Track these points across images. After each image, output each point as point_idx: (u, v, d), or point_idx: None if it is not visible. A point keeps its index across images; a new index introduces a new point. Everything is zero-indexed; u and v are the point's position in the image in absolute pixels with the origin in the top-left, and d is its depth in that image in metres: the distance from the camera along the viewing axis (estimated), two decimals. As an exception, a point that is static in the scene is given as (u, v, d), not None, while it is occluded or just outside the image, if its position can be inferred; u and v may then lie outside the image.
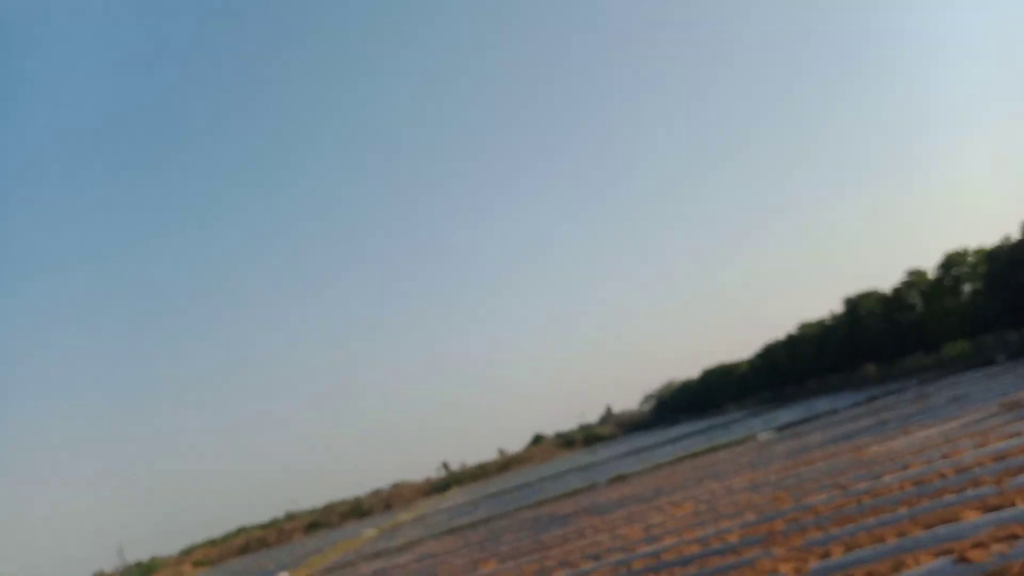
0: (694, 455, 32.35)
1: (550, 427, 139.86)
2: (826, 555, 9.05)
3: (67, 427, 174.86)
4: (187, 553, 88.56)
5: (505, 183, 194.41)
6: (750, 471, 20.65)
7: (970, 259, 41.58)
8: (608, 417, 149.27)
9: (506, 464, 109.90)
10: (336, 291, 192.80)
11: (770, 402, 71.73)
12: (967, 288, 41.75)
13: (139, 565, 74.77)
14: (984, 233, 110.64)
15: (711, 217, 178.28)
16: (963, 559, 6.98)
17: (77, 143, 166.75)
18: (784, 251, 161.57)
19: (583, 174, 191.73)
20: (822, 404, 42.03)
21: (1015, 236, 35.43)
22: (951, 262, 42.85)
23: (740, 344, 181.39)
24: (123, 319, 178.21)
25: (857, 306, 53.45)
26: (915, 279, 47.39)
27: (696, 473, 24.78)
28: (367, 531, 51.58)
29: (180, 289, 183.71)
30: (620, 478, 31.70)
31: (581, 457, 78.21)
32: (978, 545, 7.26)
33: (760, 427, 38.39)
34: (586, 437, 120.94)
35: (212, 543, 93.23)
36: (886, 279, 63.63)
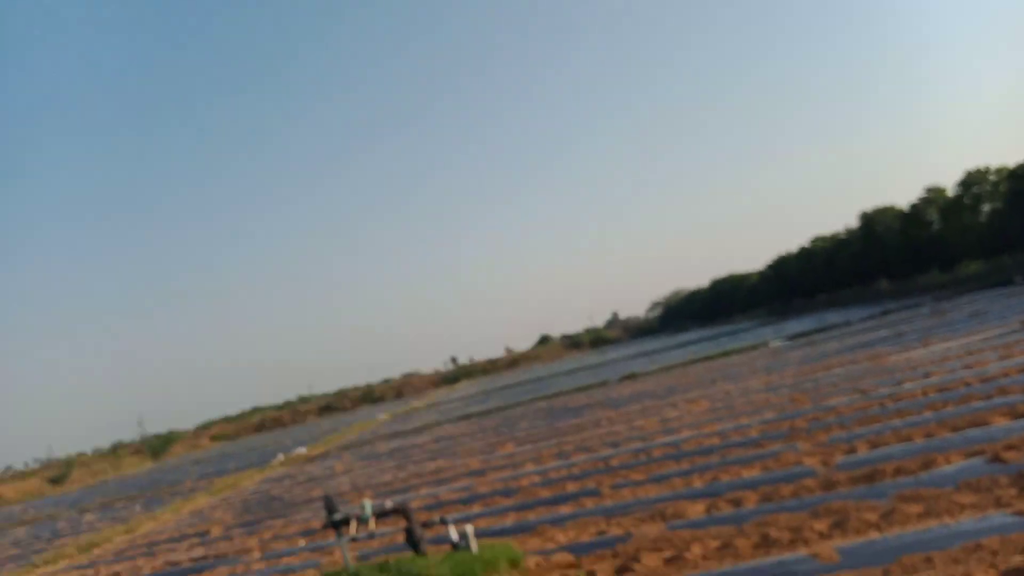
0: (706, 358, 32.78)
1: (556, 329, 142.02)
2: (851, 451, 9.38)
3: (90, 300, 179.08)
4: (204, 428, 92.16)
5: (526, 85, 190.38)
6: (764, 374, 21.00)
7: (991, 177, 40.91)
8: (614, 322, 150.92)
9: (514, 361, 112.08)
10: (353, 178, 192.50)
11: (779, 313, 72.08)
12: (987, 207, 41.22)
13: (158, 437, 77.83)
14: (1006, 153, 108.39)
15: (727, 125, 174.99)
16: (997, 459, 7.21)
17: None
18: (798, 165, 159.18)
19: (602, 78, 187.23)
20: (833, 316, 42.19)
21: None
22: (971, 180, 42.16)
23: (749, 257, 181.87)
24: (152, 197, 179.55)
25: (873, 221, 53.05)
26: (934, 196, 46.82)
27: (709, 374, 25.21)
28: (381, 415, 53.34)
29: (201, 176, 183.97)
30: (631, 376, 32.30)
31: (589, 358, 79.47)
32: (1011, 447, 7.50)
33: (771, 336, 38.80)
34: (593, 339, 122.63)
35: (228, 420, 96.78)
36: (903, 196, 62.90)
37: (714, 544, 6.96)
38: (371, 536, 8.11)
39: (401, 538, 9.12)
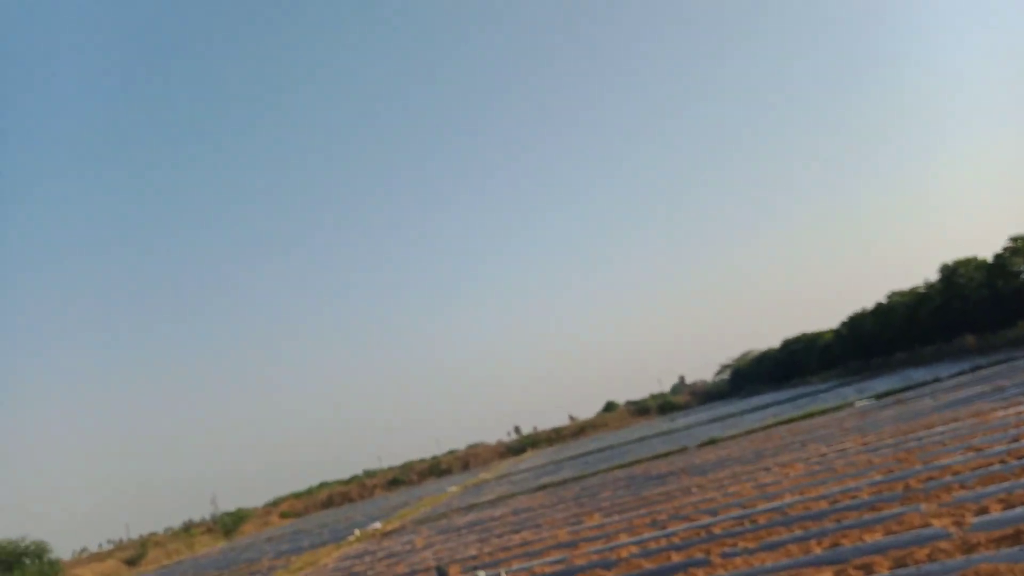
0: (788, 421, 31.65)
1: (620, 396, 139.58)
2: (983, 511, 8.77)
3: (156, 377, 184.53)
4: (274, 504, 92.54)
5: (577, 143, 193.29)
6: (858, 435, 20.09)
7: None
8: (681, 386, 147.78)
9: (580, 429, 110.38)
10: (422, 250, 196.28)
11: (856, 373, 69.56)
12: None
13: (228, 515, 78.44)
14: None
15: (796, 180, 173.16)
16: None
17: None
18: (869, 219, 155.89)
19: (660, 131, 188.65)
20: (918, 374, 40.45)
21: None
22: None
23: (822, 316, 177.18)
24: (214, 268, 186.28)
25: (954, 273, 51.25)
26: (1021, 244, 45.07)
27: (795, 437, 24.28)
28: (451, 488, 52.78)
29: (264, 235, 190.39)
30: (711, 442, 31.32)
31: (659, 424, 77.69)
32: None
33: (853, 395, 37.34)
34: (660, 405, 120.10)
35: (297, 496, 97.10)
36: (985, 248, 60.83)
37: (856, 616, 6.48)
38: None
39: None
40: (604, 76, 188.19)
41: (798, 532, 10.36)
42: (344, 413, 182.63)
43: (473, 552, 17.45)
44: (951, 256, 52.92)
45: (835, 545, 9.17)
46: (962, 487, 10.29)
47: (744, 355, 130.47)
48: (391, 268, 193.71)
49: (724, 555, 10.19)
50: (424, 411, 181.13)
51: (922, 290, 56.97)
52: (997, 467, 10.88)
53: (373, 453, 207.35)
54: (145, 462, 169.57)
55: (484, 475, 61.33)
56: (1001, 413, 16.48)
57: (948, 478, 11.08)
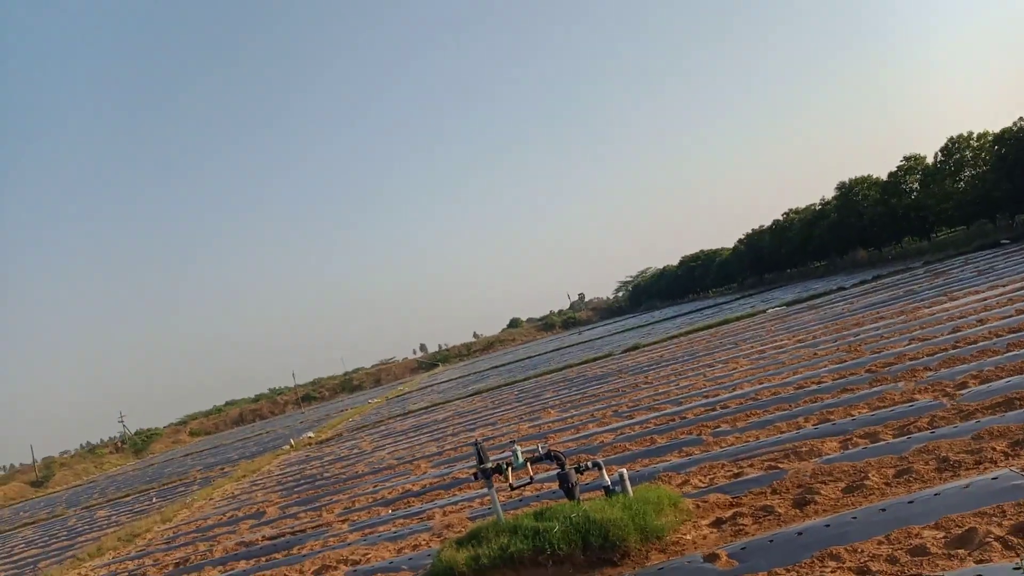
0: (706, 327, 33.04)
1: (521, 314, 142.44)
2: (962, 386, 9.49)
3: (60, 304, 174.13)
4: (182, 423, 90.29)
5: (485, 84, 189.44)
6: (788, 335, 21.13)
7: (973, 144, 41.89)
8: (580, 303, 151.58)
9: (489, 344, 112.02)
10: (315, 173, 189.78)
11: (752, 287, 72.98)
12: (968, 173, 42.19)
13: (139, 434, 76.05)
14: (985, 122, 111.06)
15: (695, 102, 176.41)
16: None
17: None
18: (764, 141, 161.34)
19: (566, 61, 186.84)
20: (818, 285, 42.81)
21: (1029, 120, 35.78)
22: (953, 147, 43.10)
23: (718, 236, 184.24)
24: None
25: (851, 191, 53.96)
26: (913, 164, 47.80)
27: (722, 340, 25.32)
28: (373, 400, 52.84)
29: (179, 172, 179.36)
30: (635, 347, 32.43)
31: (567, 338, 79.65)
32: None
33: (760, 305, 39.28)
34: (565, 321, 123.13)
35: (206, 414, 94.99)
36: (880, 168, 64.40)
37: (889, 472, 6.98)
38: (530, 482, 7.94)
39: (540, 489, 9.03)
40: None
41: (780, 412, 10.95)
42: (248, 333, 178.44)
43: (434, 449, 17.65)
44: (846, 176, 55.83)
45: (825, 420, 9.77)
46: (927, 369, 11.09)
47: (643, 272, 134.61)
48: (295, 186, 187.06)
49: (716, 434, 10.70)
50: (328, 331, 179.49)
51: (819, 207, 59.88)
52: (953, 352, 11.76)
53: (278, 372, 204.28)
54: (48, 384, 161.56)
55: (403, 388, 61.64)
56: (927, 311, 17.72)
57: (908, 363, 11.89)
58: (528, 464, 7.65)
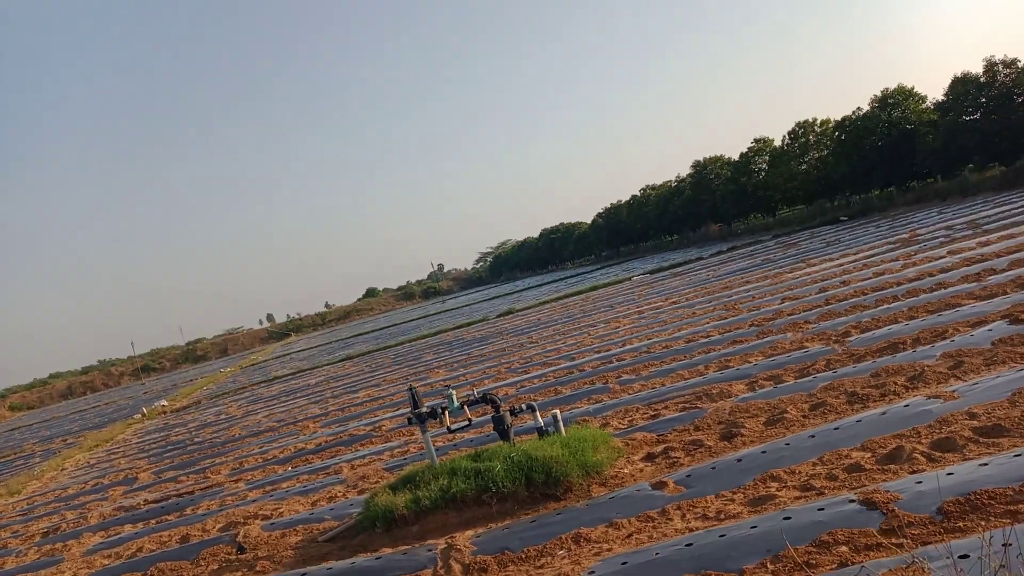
0: (575, 294, 33.97)
1: (377, 285, 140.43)
2: (845, 335, 10.30)
3: None
4: (2, 397, 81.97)
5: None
6: (660, 299, 22.12)
7: (817, 128, 45.41)
8: (439, 274, 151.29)
9: (346, 314, 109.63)
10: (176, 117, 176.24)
11: (609, 259, 75.76)
12: (812, 156, 45.71)
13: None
14: (823, 109, 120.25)
15: (557, 73, 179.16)
16: (1018, 320, 8.29)
17: None
18: (623, 118, 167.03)
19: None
20: (675, 256, 45.12)
21: (865, 108, 39.23)
22: (799, 131, 46.52)
23: (577, 211, 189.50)
24: None
25: (705, 169, 57.10)
26: (762, 146, 51.19)
27: (595, 304, 26.11)
28: (226, 369, 50.29)
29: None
30: (509, 312, 32.84)
31: (429, 307, 79.34)
32: (1011, 317, 8.63)
33: (622, 273, 40.86)
34: (425, 291, 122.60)
35: (29, 387, 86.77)
36: (731, 150, 68.52)
37: (804, 406, 7.48)
38: (469, 425, 7.83)
39: (471, 434, 8.99)
40: None
41: (677, 363, 11.46)
42: (73, 301, 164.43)
43: (317, 411, 17.10)
44: (700, 156, 59.01)
45: (725, 367, 10.32)
46: (807, 323, 11.95)
47: (502, 244, 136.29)
48: (135, 141, 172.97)
49: (621, 383, 11.04)
50: (165, 300, 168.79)
51: (674, 184, 62.97)
52: (828, 308, 12.75)
53: (108, 344, 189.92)
54: None
55: (256, 356, 59.13)
56: (790, 275, 19.09)
57: (788, 318, 12.78)
58: (465, 407, 7.55)
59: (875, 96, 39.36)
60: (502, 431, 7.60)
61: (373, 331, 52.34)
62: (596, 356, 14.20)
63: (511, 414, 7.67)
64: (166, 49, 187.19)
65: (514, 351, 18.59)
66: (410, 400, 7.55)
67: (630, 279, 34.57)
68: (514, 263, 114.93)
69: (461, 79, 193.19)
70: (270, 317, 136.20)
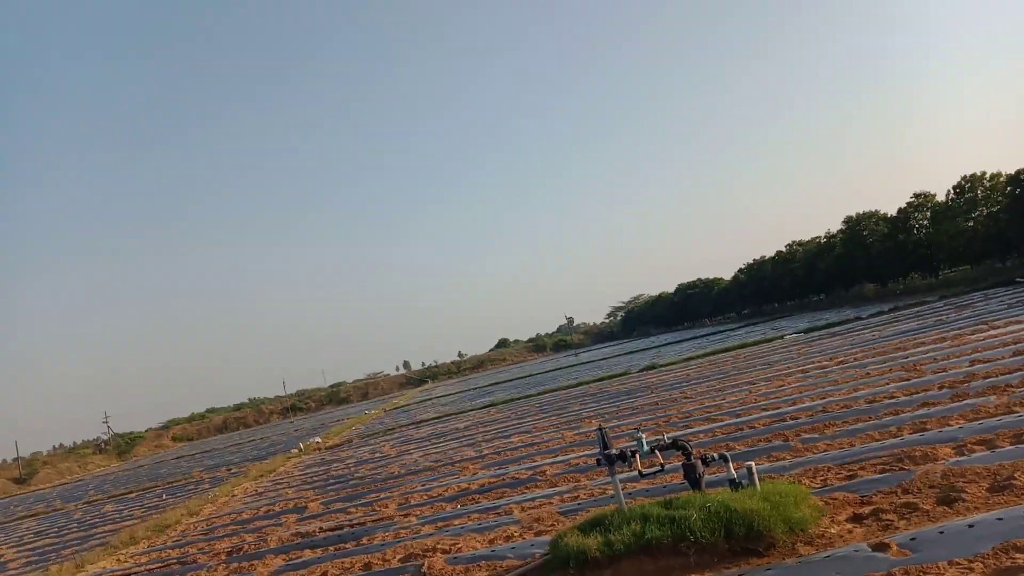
0: (724, 350, 32.94)
1: (505, 335, 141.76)
2: (1061, 399, 9.39)
3: (47, 304, 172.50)
4: (165, 428, 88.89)
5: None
6: (824, 358, 21.00)
7: (986, 183, 42.35)
8: (569, 327, 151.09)
9: (480, 363, 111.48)
10: (308, 179, 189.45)
11: (749, 318, 73.08)
12: (980, 212, 42.61)
13: (122, 436, 74.76)
14: (994, 161, 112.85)
15: (702, 131, 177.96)
16: None
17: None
18: (768, 175, 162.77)
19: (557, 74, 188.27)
20: (828, 316, 42.88)
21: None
22: (966, 185, 43.56)
23: (714, 266, 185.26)
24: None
25: (858, 225, 54.45)
26: (922, 201, 48.28)
27: (749, 362, 25.16)
28: (370, 411, 52.20)
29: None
30: (652, 367, 32.26)
31: (562, 359, 79.32)
32: None
33: (770, 332, 39.24)
34: (556, 343, 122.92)
35: (189, 420, 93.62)
36: (886, 205, 65.23)
37: (1036, 472, 6.82)
38: (661, 471, 7.69)
39: (644, 484, 8.81)
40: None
41: (864, 423, 10.77)
42: (229, 344, 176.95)
43: (472, 454, 17.32)
44: (851, 210, 56.35)
45: (920, 430, 9.61)
46: (1009, 386, 10.98)
47: (635, 299, 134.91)
48: (281, 198, 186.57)
49: (803, 440, 10.51)
50: (310, 345, 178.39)
51: (824, 240, 60.33)
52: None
53: (257, 383, 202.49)
54: (35, 381, 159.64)
55: (397, 401, 61.01)
56: (972, 337, 17.70)
57: (983, 381, 11.80)
58: (656, 452, 7.41)
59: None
60: (693, 480, 7.39)
61: (509, 380, 52.83)
62: (765, 414, 13.61)
63: (703, 463, 7.45)
64: (318, 114, 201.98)
65: (669, 405, 18.16)
66: (599, 441, 7.50)
67: (782, 338, 33.14)
68: (648, 318, 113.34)
69: (601, 141, 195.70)
70: (406, 364, 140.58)
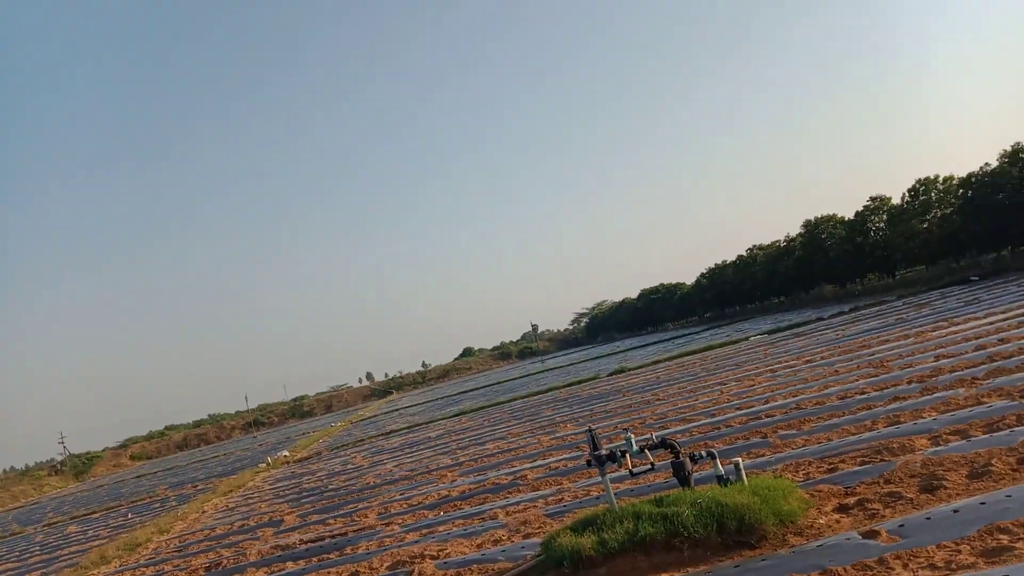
0: (690, 353, 33.32)
1: (469, 344, 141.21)
2: (1027, 390, 9.70)
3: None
4: (122, 447, 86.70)
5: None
6: (791, 357, 21.37)
7: (939, 186, 43.60)
8: (533, 335, 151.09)
9: (445, 372, 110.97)
10: (263, 188, 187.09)
11: (712, 321, 73.99)
12: (933, 214, 43.81)
13: (78, 457, 72.71)
14: (943, 166, 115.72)
15: (662, 136, 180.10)
16: None
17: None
18: (723, 180, 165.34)
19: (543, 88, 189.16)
20: (789, 317, 43.68)
21: (993, 164, 37.50)
22: (920, 188, 44.77)
23: (675, 271, 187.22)
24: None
25: (817, 228, 55.53)
26: (879, 204, 49.48)
27: (716, 363, 25.45)
28: (336, 423, 51.61)
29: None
30: (621, 371, 32.44)
31: (528, 366, 79.28)
32: None
33: (734, 334, 39.77)
34: (521, 351, 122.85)
35: (148, 438, 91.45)
36: (837, 209, 66.72)
37: (1011, 459, 7.04)
38: (652, 469, 7.73)
39: (628, 484, 8.88)
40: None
41: (839, 419, 10.99)
42: (185, 360, 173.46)
43: (448, 461, 17.25)
44: (809, 214, 57.50)
45: (894, 423, 9.84)
46: (975, 380, 11.30)
47: (599, 304, 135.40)
48: (234, 210, 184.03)
49: (781, 436, 10.69)
50: (269, 359, 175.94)
51: (783, 244, 61.43)
52: (994, 364, 12.03)
53: (216, 400, 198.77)
54: None
55: (363, 413, 60.44)
56: (934, 334, 18.16)
57: (950, 375, 12.13)
58: (646, 451, 7.49)
59: (1004, 151, 37.62)
60: (682, 477, 7.48)
61: (476, 388, 52.72)
62: (740, 412, 13.82)
63: (691, 460, 7.55)
64: (306, 116, 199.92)
65: (643, 407, 18.31)
66: (589, 443, 7.55)
67: (747, 339, 33.64)
68: (611, 324, 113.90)
69: (561, 148, 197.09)
70: (369, 376, 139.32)
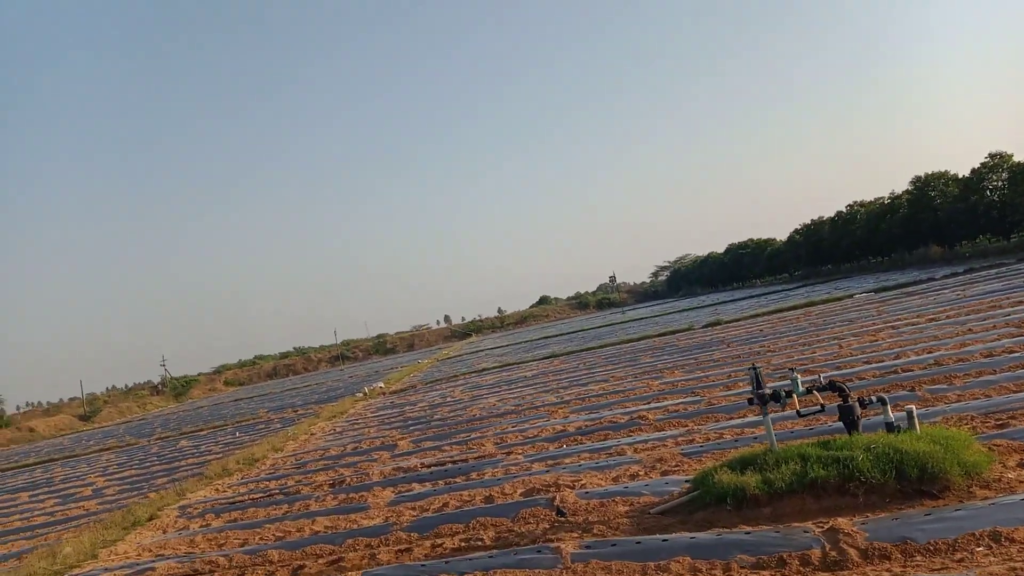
0: (790, 308, 32.27)
1: (544, 293, 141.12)
2: None
3: (113, 249, 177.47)
4: (217, 372, 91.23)
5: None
6: (909, 315, 20.35)
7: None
8: (610, 286, 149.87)
9: (523, 319, 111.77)
10: (353, 133, 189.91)
11: (804, 279, 71.52)
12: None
13: (178, 379, 76.97)
14: None
15: (752, 91, 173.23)
16: None
17: None
18: (815, 135, 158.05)
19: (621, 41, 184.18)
20: (897, 276, 41.68)
21: None
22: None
23: (762, 227, 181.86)
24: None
25: (927, 186, 52.66)
26: (999, 162, 46.35)
27: (825, 319, 24.45)
28: (423, 360, 52.71)
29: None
30: (717, 323, 31.77)
31: (608, 316, 78.84)
32: None
33: (835, 292, 38.28)
34: (600, 301, 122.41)
35: (240, 366, 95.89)
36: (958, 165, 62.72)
37: None
38: (822, 410, 7.38)
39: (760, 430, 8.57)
40: None
41: (994, 376, 10.34)
42: (274, 294, 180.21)
43: (554, 399, 17.23)
44: (917, 171, 54.37)
45: (1063, 382, 9.17)
46: None
47: (682, 258, 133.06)
48: (326, 151, 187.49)
49: (931, 390, 10.13)
50: (353, 298, 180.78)
51: (888, 201, 58.54)
52: None
53: (301, 332, 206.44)
54: (99, 323, 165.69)
55: (446, 352, 61.50)
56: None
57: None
58: (814, 391, 7.14)
59: None
60: (850, 422, 7.12)
61: (559, 334, 52.75)
62: (869, 367, 13.19)
63: (860, 405, 7.16)
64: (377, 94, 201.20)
65: (753, 358, 17.77)
66: (752, 380, 7.25)
67: (850, 297, 32.33)
68: (694, 278, 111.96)
69: (641, 84, 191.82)
70: (447, 318, 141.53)
